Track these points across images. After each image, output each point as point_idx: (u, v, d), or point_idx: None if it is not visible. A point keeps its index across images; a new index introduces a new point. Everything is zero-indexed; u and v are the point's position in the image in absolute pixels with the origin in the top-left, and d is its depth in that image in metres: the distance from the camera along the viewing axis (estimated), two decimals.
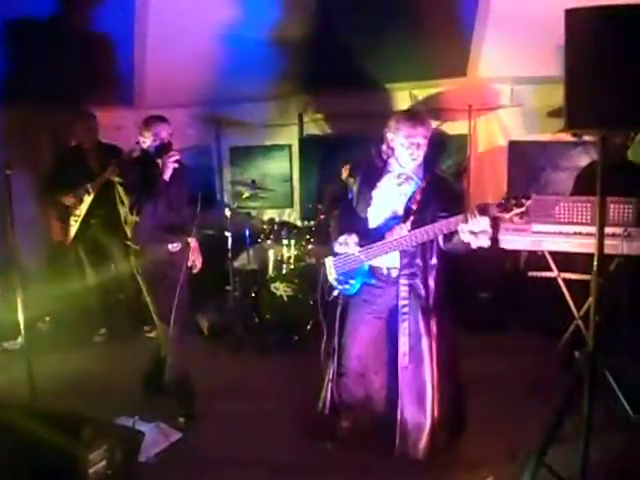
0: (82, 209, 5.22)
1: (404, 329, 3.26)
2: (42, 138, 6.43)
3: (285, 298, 5.32)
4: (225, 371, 4.65)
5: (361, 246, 3.24)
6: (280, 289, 5.33)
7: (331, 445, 3.53)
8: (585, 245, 4.13)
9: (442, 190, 3.27)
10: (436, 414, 3.27)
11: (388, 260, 3.29)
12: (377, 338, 3.42)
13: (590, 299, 3.00)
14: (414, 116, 3.34)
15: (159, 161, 3.87)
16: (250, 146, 7.27)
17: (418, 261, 3.25)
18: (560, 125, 2.97)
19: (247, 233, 5.95)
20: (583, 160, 5.50)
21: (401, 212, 3.24)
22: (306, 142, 6.96)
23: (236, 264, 5.98)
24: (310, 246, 5.47)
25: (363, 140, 3.82)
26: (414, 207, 3.21)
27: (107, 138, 5.79)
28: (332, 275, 3.37)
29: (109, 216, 5.31)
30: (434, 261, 3.29)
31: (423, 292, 3.27)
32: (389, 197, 3.30)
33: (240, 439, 3.71)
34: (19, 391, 4.13)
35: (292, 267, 5.44)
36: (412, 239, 3.12)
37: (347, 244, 3.25)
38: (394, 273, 3.31)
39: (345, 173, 3.55)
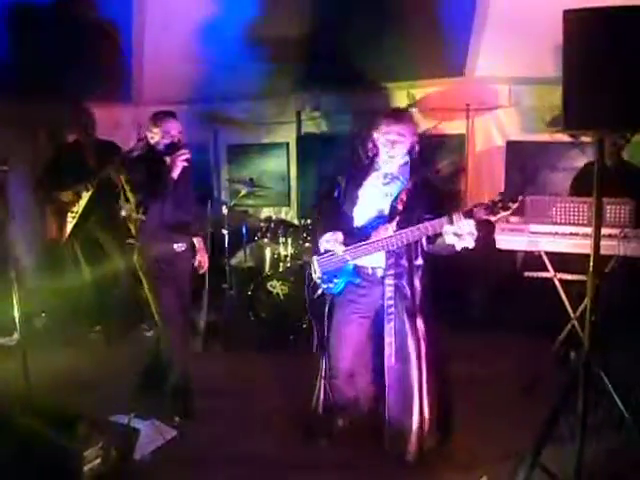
0: (79, 206, 5.20)
1: (390, 329, 3.26)
2: (39, 134, 6.42)
3: (281, 296, 5.32)
4: (220, 369, 4.65)
5: (346, 245, 3.23)
6: (276, 287, 5.33)
7: (326, 443, 3.54)
8: (581, 246, 4.15)
9: (428, 191, 3.26)
10: (423, 415, 3.26)
11: (373, 260, 3.28)
12: (363, 338, 3.44)
13: (586, 300, 3.01)
14: (392, 113, 3.37)
15: (167, 158, 3.82)
16: (247, 144, 7.26)
17: (404, 261, 3.25)
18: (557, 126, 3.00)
19: (244, 231, 5.96)
20: (580, 161, 5.51)
21: (387, 212, 3.24)
22: (304, 140, 6.95)
23: (233, 262, 5.98)
24: (307, 244, 5.46)
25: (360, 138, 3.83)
26: (400, 207, 3.20)
27: (105, 135, 5.76)
28: (316, 274, 3.37)
29: (106, 213, 5.35)
30: (419, 261, 3.28)
31: (409, 292, 3.26)
32: (375, 196, 3.30)
33: (235, 437, 3.71)
34: (14, 387, 4.14)
35: (289, 265, 5.44)
36: (397, 240, 3.12)
37: (332, 243, 3.25)
38: (379, 272, 3.31)
39: None
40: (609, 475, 3.12)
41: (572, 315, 4.44)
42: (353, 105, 6.57)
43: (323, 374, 3.51)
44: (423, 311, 3.30)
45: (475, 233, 2.91)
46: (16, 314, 3.99)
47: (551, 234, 4.39)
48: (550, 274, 4.55)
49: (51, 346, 5.15)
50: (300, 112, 6.98)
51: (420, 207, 3.17)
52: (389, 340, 3.26)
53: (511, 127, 6.11)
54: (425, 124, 6.26)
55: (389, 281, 3.25)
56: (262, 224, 5.93)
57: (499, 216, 2.91)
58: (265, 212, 6.89)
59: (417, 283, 3.28)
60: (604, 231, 3.49)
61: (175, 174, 3.77)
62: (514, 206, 2.89)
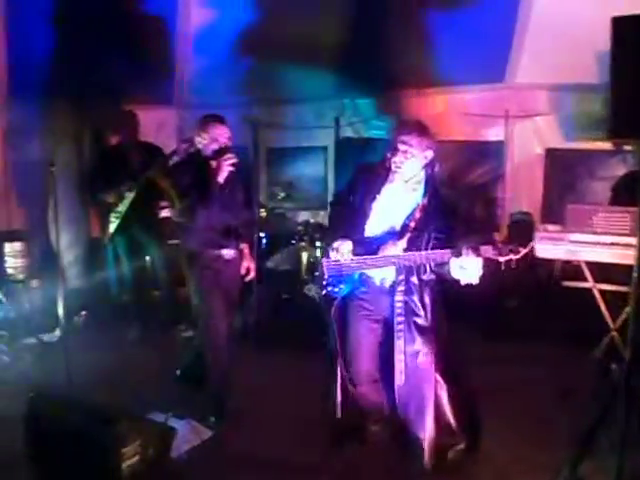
0: (122, 206, 5.28)
1: (399, 347, 3.22)
2: (83, 136, 6.56)
3: (317, 300, 5.32)
4: (255, 371, 4.67)
5: (355, 254, 3.19)
6: (312, 291, 5.35)
7: (358, 448, 3.53)
8: (623, 256, 4.09)
9: (442, 210, 3.20)
10: (439, 428, 3.23)
11: (381, 271, 3.24)
12: (376, 343, 3.38)
13: (627, 310, 2.97)
14: (405, 120, 3.33)
15: (213, 162, 3.79)
16: (286, 147, 7.31)
17: (414, 278, 3.21)
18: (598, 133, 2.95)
19: (281, 234, 5.99)
20: (621, 169, 5.43)
21: (398, 228, 3.20)
22: (342, 145, 6.98)
23: (269, 265, 6.02)
24: None
25: None
26: (412, 225, 3.16)
27: (147, 137, 5.85)
28: (324, 276, 3.32)
29: (149, 214, 5.44)
30: (430, 277, 3.23)
31: (419, 308, 3.22)
32: (388, 210, 3.25)
33: (269, 439, 3.70)
34: (55, 383, 4.24)
35: None
36: (403, 261, 3.10)
37: (340, 251, 3.18)
38: (387, 283, 3.27)
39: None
40: None
41: (612, 326, 4.38)
42: (392, 110, 6.57)
43: (340, 380, 3.49)
44: (434, 326, 3.25)
45: (480, 270, 2.89)
46: (60, 311, 4.06)
47: (592, 244, 4.34)
48: (590, 284, 4.50)
49: (90, 344, 5.23)
50: (339, 117, 7.00)
51: (433, 226, 3.14)
52: (399, 357, 3.23)
53: (551, 134, 6.05)
54: (464, 131, 6.25)
55: (398, 297, 3.21)
56: (299, 227, 5.96)
57: (506, 258, 2.89)
58: (302, 215, 6.92)
59: (427, 299, 3.24)
60: None
61: (221, 178, 3.74)
62: (524, 251, 2.88)
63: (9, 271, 5.72)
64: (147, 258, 5.87)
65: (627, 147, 5.24)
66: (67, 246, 5.89)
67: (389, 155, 3.20)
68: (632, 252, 2.85)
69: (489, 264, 2.94)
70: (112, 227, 5.37)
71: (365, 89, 6.67)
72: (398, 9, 5.89)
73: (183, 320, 5.56)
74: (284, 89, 6.80)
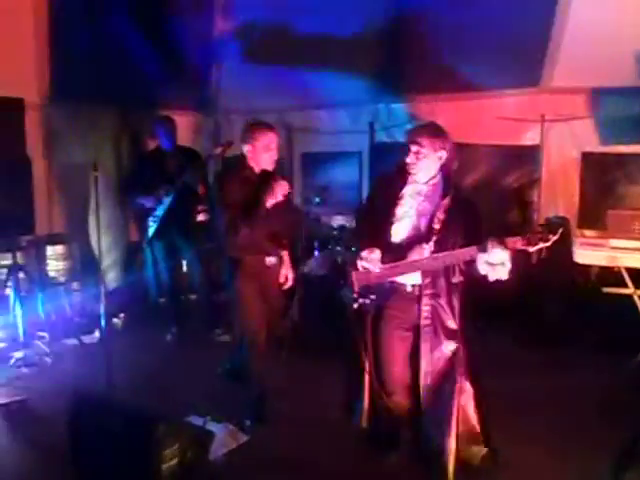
0: (160, 211, 5.35)
1: (426, 349, 3.21)
2: (123, 140, 6.67)
3: (346, 302, 5.32)
4: (290, 376, 4.68)
5: (382, 261, 3.16)
6: (348, 297, 5.33)
7: (395, 457, 3.51)
8: None
9: (466, 211, 3.17)
10: (461, 432, 3.20)
11: (411, 277, 3.21)
12: (408, 351, 3.35)
13: None
14: (419, 122, 3.33)
15: (264, 183, 3.71)
16: (321, 152, 7.33)
17: (441, 281, 3.18)
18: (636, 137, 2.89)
19: (316, 239, 6.00)
20: None
21: (423, 230, 3.18)
22: (376, 150, 6.97)
23: (305, 270, 6.03)
24: None
25: None
26: (437, 226, 3.13)
27: (184, 141, 5.92)
28: (353, 288, 3.32)
29: (186, 218, 5.50)
30: (458, 279, 3.19)
31: (446, 312, 3.20)
32: (411, 213, 3.22)
33: (305, 444, 3.73)
34: (95, 384, 4.31)
35: None
36: (432, 263, 3.07)
37: (369, 260, 3.16)
38: (415, 288, 3.23)
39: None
40: None
41: None
42: (426, 115, 6.54)
43: (368, 391, 3.49)
44: (461, 329, 3.23)
45: (509, 265, 2.83)
46: (102, 313, 4.13)
47: (633, 250, 4.28)
48: (630, 290, 4.43)
49: (128, 346, 5.31)
50: (373, 122, 7.00)
51: (459, 226, 3.11)
52: (425, 360, 3.21)
53: (587, 138, 5.95)
54: (499, 135, 6.20)
55: (426, 301, 3.19)
56: (335, 232, 5.97)
57: (536, 248, 2.80)
58: (337, 220, 6.92)
59: (455, 301, 3.22)
60: None
61: (270, 203, 3.67)
62: (554, 238, 2.79)
63: (51, 274, 5.85)
64: (184, 262, 5.95)
65: None
66: (106, 249, 5.99)
67: (404, 157, 3.21)
68: None
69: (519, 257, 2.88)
70: (150, 231, 5.43)
71: (400, 94, 6.65)
72: (432, 13, 5.87)
73: (219, 324, 5.63)
74: (319, 94, 6.81)
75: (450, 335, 3.21)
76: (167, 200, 5.32)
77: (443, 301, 3.20)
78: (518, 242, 2.83)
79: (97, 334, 5.49)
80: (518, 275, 3.12)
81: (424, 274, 3.17)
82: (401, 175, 3.26)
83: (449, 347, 3.20)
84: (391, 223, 3.24)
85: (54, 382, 4.63)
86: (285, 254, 4.05)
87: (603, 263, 4.50)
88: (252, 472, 3.45)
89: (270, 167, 3.82)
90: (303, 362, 4.93)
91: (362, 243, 3.27)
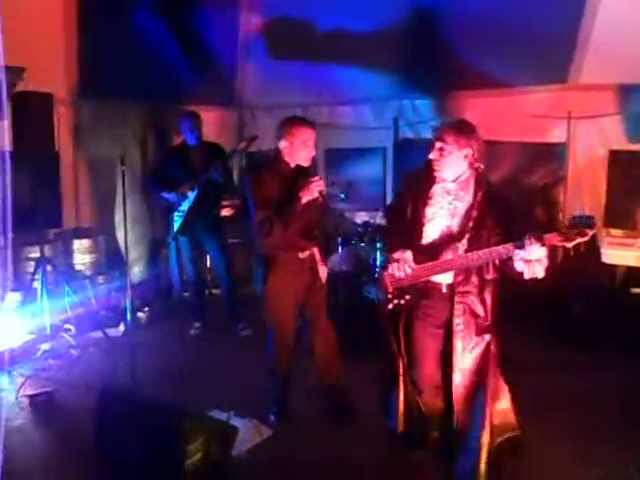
0: (185, 206, 5.38)
1: (458, 347, 3.17)
2: (148, 135, 6.72)
3: (377, 301, 5.31)
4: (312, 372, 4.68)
5: (415, 262, 3.14)
6: (372, 293, 5.34)
7: (422, 454, 3.50)
8: None
9: (499, 208, 3.11)
10: (495, 430, 3.17)
11: (444, 276, 3.18)
12: (440, 350, 3.32)
13: None
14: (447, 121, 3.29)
15: (299, 178, 3.65)
16: (345, 148, 7.31)
17: (474, 278, 3.13)
18: None
19: (340, 235, 6.00)
20: None
21: (455, 229, 3.14)
22: (401, 146, 6.94)
23: (328, 265, 6.03)
24: None
25: None
26: (470, 224, 3.09)
27: (209, 137, 5.94)
28: (387, 289, 3.30)
29: (211, 214, 5.52)
30: (492, 276, 3.15)
31: (480, 309, 3.16)
32: (442, 212, 3.19)
33: (328, 440, 3.72)
34: (120, 377, 4.36)
35: None
36: (466, 262, 3.04)
37: (402, 261, 3.14)
38: (447, 286, 3.20)
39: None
40: None
41: None
42: (452, 111, 6.50)
43: (403, 394, 3.47)
44: (493, 327, 3.18)
45: (545, 262, 2.79)
46: (128, 307, 4.17)
47: None
48: None
49: (153, 340, 5.37)
50: (398, 118, 6.98)
51: (493, 223, 3.06)
52: (457, 358, 3.18)
53: (615, 136, 5.87)
54: (525, 132, 6.15)
55: (458, 299, 3.15)
56: (359, 229, 5.96)
57: (574, 243, 2.74)
58: (361, 216, 6.91)
59: (488, 299, 3.16)
60: None
61: (305, 201, 3.60)
62: (591, 232, 2.74)
63: (77, 267, 5.92)
64: (208, 256, 5.98)
65: None
66: (131, 243, 6.03)
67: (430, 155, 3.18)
68: None
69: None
70: (175, 226, 5.46)
71: (425, 89, 6.62)
72: (458, 8, 5.83)
73: (242, 319, 5.65)
74: (343, 90, 6.80)
75: (483, 332, 3.16)
76: (192, 195, 5.33)
77: (476, 298, 3.15)
78: (555, 238, 2.78)
79: (122, 327, 5.55)
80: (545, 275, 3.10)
81: (457, 272, 3.14)
82: (428, 173, 3.21)
83: (482, 344, 3.16)
84: (422, 224, 3.20)
85: (80, 374, 4.69)
86: (317, 251, 3.95)
87: (632, 263, 4.44)
88: (275, 468, 3.45)
89: (306, 163, 3.76)
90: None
91: (393, 244, 3.27)
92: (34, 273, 5.20)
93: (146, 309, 5.99)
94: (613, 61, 5.43)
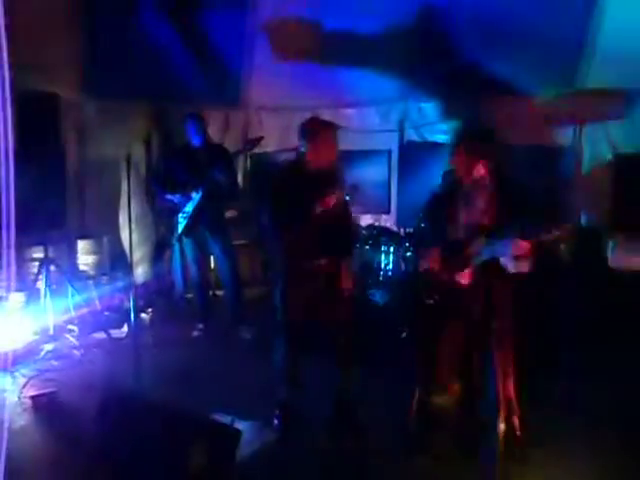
0: (189, 207, 5.36)
1: (477, 343, 3.27)
2: (153, 137, 6.71)
3: (381, 305, 5.31)
4: (317, 376, 4.65)
5: (443, 261, 3.24)
6: (377, 296, 5.33)
7: (421, 459, 3.49)
8: None
9: (511, 196, 3.20)
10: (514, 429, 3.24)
11: (465, 274, 3.25)
12: (459, 348, 3.38)
13: None
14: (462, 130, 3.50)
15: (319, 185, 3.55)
16: (350, 150, 7.27)
17: (495, 273, 3.19)
18: None
19: None
20: None
21: (476, 227, 3.22)
22: (406, 148, 6.92)
23: None
24: (408, 254, 5.40)
25: None
26: (485, 220, 3.19)
27: (214, 137, 5.93)
28: (427, 288, 3.36)
29: (215, 215, 5.50)
30: (511, 271, 3.15)
31: (499, 305, 3.24)
32: (464, 210, 3.27)
33: (331, 445, 3.70)
34: (124, 378, 4.34)
35: (390, 274, 5.42)
36: (485, 254, 3.13)
37: (430, 260, 3.25)
38: (471, 286, 3.27)
39: None
40: None
41: None
42: (458, 114, 6.48)
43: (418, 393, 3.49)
44: (513, 322, 3.25)
45: (529, 257, 2.91)
46: (131, 308, 4.15)
47: None
48: None
49: (155, 342, 5.32)
50: (403, 120, 6.96)
51: (508, 217, 3.11)
52: (477, 355, 3.25)
53: (622, 140, 5.85)
54: (532, 135, 6.13)
55: (478, 294, 3.23)
56: (364, 231, 5.94)
57: (552, 236, 2.87)
58: (366, 219, 6.89)
59: (508, 294, 3.24)
60: None
61: (319, 211, 3.52)
62: (569, 227, 2.96)
63: (81, 267, 5.91)
64: (212, 258, 5.97)
65: None
66: (135, 244, 6.00)
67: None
68: None
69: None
70: (179, 227, 5.45)
71: (430, 92, 6.60)
72: (465, 10, 5.81)
73: (245, 321, 5.64)
74: (349, 91, 6.78)
75: (501, 329, 3.22)
76: (196, 196, 5.33)
77: (495, 294, 3.22)
78: (540, 234, 2.89)
79: (125, 328, 5.54)
80: (550, 278, 3.10)
81: (476, 268, 3.20)
82: (451, 189, 3.36)
83: (499, 342, 3.21)
84: (448, 219, 3.31)
85: (83, 375, 4.66)
86: (344, 264, 3.79)
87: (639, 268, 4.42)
88: (279, 472, 3.44)
89: (329, 165, 3.70)
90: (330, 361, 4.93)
91: (430, 244, 3.39)
92: (38, 273, 5.19)
93: (150, 310, 5.98)
94: (620, 66, 5.41)
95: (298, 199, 3.51)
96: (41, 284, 5.16)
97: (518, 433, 3.29)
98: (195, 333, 5.67)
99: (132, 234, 4.43)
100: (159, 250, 6.55)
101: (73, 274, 5.76)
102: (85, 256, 5.96)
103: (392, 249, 5.47)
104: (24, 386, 4.41)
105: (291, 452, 3.63)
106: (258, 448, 3.61)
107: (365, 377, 4.32)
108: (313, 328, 3.81)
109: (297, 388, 3.89)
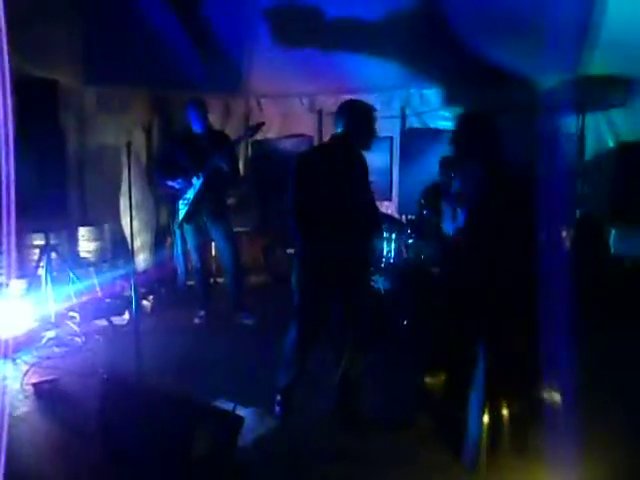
0: (190, 194, 5.35)
1: None
2: (153, 122, 6.69)
3: (383, 292, 5.30)
4: (320, 364, 4.65)
5: None
6: (378, 282, 5.31)
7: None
8: None
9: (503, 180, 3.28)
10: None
11: None
12: None
13: None
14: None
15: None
16: None
17: None
18: None
19: None
20: None
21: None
22: (408, 135, 6.90)
23: None
24: (410, 240, 5.38)
25: None
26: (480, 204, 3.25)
27: (215, 124, 5.90)
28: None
29: (216, 202, 5.49)
30: None
31: None
32: (467, 194, 3.34)
33: (332, 431, 3.69)
34: (125, 365, 4.34)
35: (391, 261, 5.40)
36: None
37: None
38: None
39: None
40: None
41: None
42: (460, 101, 6.46)
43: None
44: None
45: None
46: (130, 295, 4.15)
47: None
48: None
49: (157, 328, 5.36)
50: (405, 107, 6.93)
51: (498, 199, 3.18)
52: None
53: (625, 127, 5.83)
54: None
55: None
56: None
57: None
58: None
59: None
60: None
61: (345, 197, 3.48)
62: None
63: (82, 254, 5.91)
64: (213, 245, 5.97)
65: None
66: (137, 231, 6.02)
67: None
68: None
69: None
70: (180, 214, 5.44)
71: (432, 79, 6.57)
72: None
73: (245, 308, 5.65)
74: (350, 78, 6.74)
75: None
76: (197, 183, 5.31)
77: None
78: None
79: (127, 315, 5.54)
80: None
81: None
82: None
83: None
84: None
85: (84, 362, 4.68)
86: (363, 247, 3.76)
87: None
88: (280, 459, 3.44)
89: (368, 148, 3.73)
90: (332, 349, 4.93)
91: None
92: (39, 261, 5.18)
93: (151, 297, 5.98)
94: (623, 53, 5.38)
95: (321, 182, 3.47)
96: (42, 271, 5.15)
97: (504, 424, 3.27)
98: (196, 320, 5.67)
99: (133, 221, 4.40)
100: (160, 237, 6.55)
101: (74, 261, 5.77)
102: (86, 243, 5.96)
103: (394, 236, 5.44)
104: (26, 373, 4.41)
105: (292, 439, 3.63)
106: (259, 434, 3.61)
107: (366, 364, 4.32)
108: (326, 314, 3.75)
109: (302, 374, 3.86)
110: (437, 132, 6.69)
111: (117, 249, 6.19)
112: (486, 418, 3.11)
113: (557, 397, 3.27)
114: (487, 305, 3.25)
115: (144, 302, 5.87)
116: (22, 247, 5.49)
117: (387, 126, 7.02)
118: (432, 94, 6.86)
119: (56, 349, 4.95)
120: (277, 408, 3.85)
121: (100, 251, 6.04)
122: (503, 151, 3.36)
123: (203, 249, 5.71)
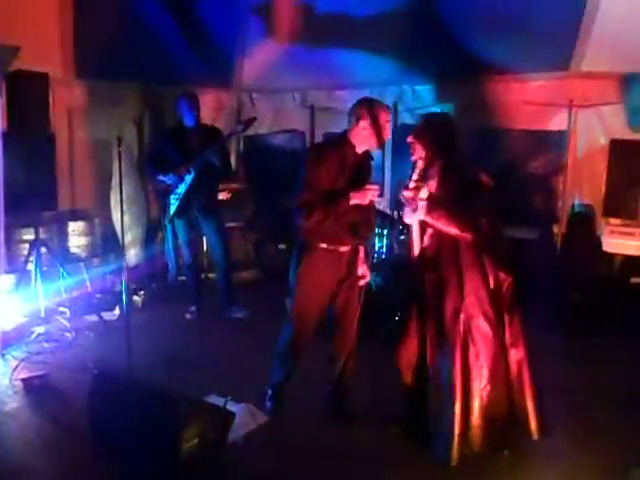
0: (182, 188, 5.32)
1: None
2: (145, 117, 6.66)
3: (374, 288, 5.28)
4: (312, 359, 4.64)
5: None
6: (371, 278, 5.29)
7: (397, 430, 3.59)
8: None
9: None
10: (470, 418, 3.22)
11: None
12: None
13: None
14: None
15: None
16: None
17: None
18: None
19: None
20: None
21: None
22: (400, 131, 6.88)
23: None
24: (402, 236, 5.38)
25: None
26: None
27: (206, 118, 5.88)
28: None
29: (208, 197, 5.47)
30: None
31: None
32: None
33: (324, 427, 3.70)
34: (116, 361, 4.32)
35: (383, 257, 5.40)
36: None
37: None
38: None
39: None
40: None
41: None
42: (453, 97, 6.46)
43: None
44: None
45: None
46: (124, 290, 4.13)
47: None
48: None
49: (148, 323, 5.32)
50: (397, 103, 6.92)
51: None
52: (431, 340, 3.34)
53: (616, 125, 5.83)
54: (526, 120, 6.11)
55: None
56: None
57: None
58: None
59: None
60: None
61: (353, 203, 3.39)
62: None
63: (72, 249, 5.88)
64: (205, 240, 5.94)
65: None
66: (127, 226, 5.98)
67: None
68: None
69: None
70: (172, 209, 5.41)
71: (425, 75, 6.56)
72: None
73: (237, 302, 5.64)
74: (342, 74, 6.73)
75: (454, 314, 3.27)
76: (189, 178, 5.28)
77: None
78: None
79: (117, 311, 5.51)
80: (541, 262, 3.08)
81: None
82: None
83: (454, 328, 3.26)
84: None
85: (74, 358, 4.66)
86: (362, 249, 3.70)
87: (632, 252, 4.42)
88: (271, 454, 3.43)
89: (380, 147, 3.70)
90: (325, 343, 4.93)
91: None
92: (28, 255, 5.15)
93: (142, 292, 5.94)
94: (616, 49, 5.38)
95: (331, 181, 3.43)
96: (32, 266, 5.12)
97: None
98: (188, 315, 5.65)
99: (124, 216, 4.37)
100: (151, 232, 6.52)
101: (64, 256, 5.73)
102: (76, 238, 5.92)
103: (386, 232, 5.44)
104: (15, 369, 4.39)
105: (283, 434, 3.62)
106: (250, 430, 3.58)
107: (359, 360, 4.32)
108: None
109: (294, 372, 3.84)
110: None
111: (108, 244, 6.15)
112: (458, 409, 3.13)
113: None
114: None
115: (135, 297, 5.82)
116: (11, 242, 5.45)
117: None
118: (425, 90, 6.84)
119: (46, 344, 4.92)
120: (268, 403, 3.85)
121: (90, 246, 5.99)
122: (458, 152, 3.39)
123: (194, 244, 5.69)
